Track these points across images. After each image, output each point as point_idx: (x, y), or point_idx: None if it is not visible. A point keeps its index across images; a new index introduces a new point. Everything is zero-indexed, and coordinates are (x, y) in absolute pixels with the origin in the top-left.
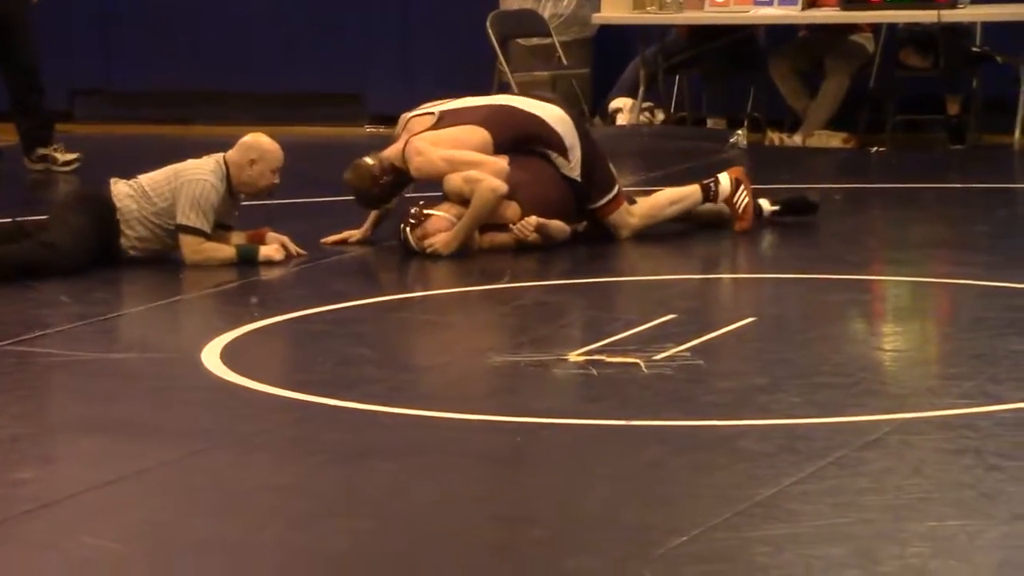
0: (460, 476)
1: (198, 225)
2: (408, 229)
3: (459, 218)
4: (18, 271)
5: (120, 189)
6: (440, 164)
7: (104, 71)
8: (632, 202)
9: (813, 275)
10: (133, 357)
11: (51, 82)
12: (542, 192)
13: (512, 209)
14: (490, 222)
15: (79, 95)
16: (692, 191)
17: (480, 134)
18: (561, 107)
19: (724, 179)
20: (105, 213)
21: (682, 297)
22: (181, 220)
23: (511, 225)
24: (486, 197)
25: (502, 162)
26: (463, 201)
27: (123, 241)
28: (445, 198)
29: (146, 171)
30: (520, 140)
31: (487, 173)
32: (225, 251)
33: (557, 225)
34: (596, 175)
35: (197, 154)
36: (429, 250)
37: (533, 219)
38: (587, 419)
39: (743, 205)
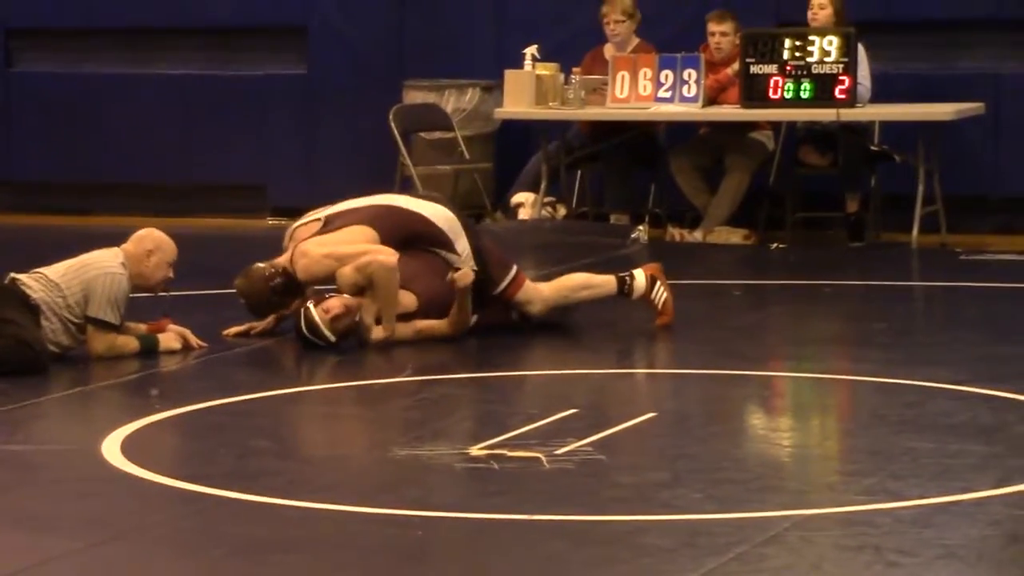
0: (360, 570)
1: (112, 320)
2: (311, 305)
3: (357, 301)
4: None
5: (30, 282)
6: (326, 262)
7: (3, 162)
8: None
9: (713, 370)
10: (32, 448)
11: None
12: (437, 283)
13: (408, 298)
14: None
15: None
16: (606, 281)
17: (367, 233)
18: (443, 204)
19: (639, 275)
20: (29, 307)
21: (583, 392)
22: (97, 314)
23: (450, 276)
24: (383, 275)
25: (389, 249)
26: (358, 292)
27: (42, 335)
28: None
29: (46, 263)
30: (406, 238)
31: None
32: (131, 344)
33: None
34: (490, 261)
35: (96, 246)
36: (373, 340)
37: (469, 272)
38: (488, 513)
39: (662, 300)
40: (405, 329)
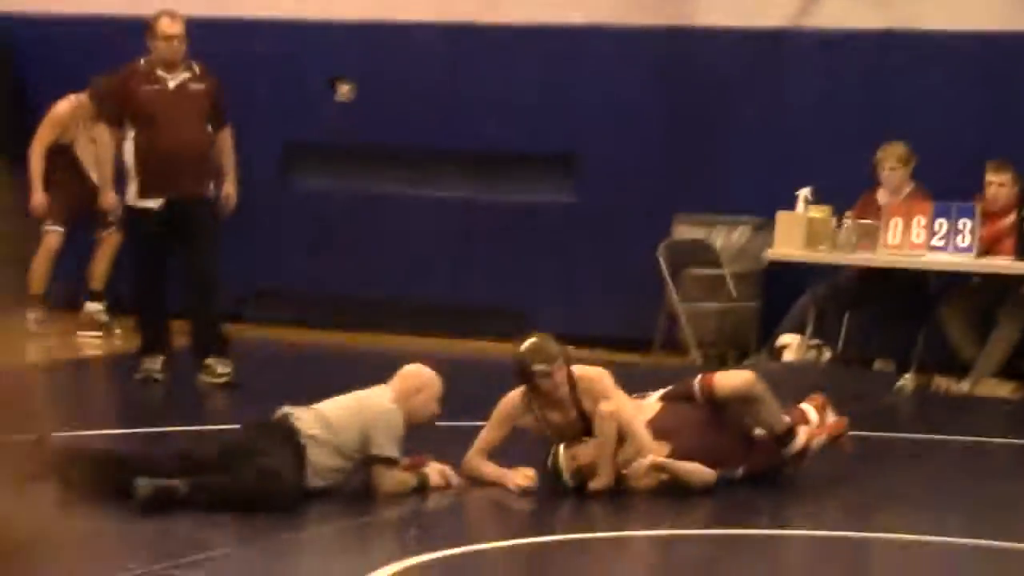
0: None
1: (397, 456)
2: (562, 447)
3: (610, 453)
4: (239, 503)
5: (304, 418)
6: (607, 383)
7: (277, 274)
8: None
9: (976, 540)
10: None
11: (225, 282)
12: (695, 438)
13: (662, 449)
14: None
15: (252, 297)
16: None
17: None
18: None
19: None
20: (296, 443)
21: (855, 558)
22: (381, 452)
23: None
24: (602, 426)
25: (627, 400)
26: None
27: (308, 471)
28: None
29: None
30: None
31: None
32: (412, 480)
33: (687, 469)
34: None
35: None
36: (589, 489)
37: (647, 461)
38: None
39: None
40: (649, 480)
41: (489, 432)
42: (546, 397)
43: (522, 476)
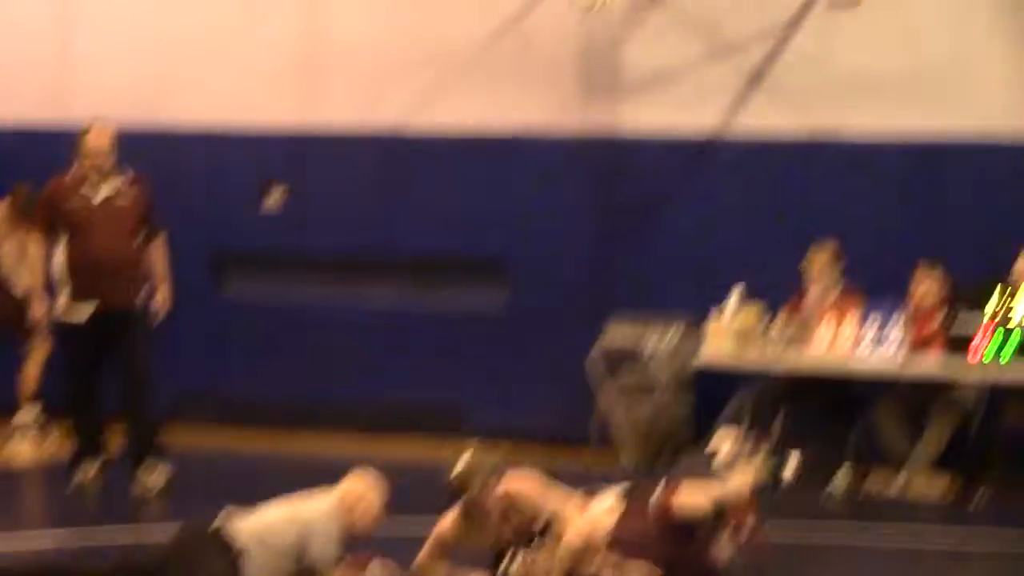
0: None
1: (340, 554)
2: (520, 554)
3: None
4: None
5: (241, 528)
6: (537, 495)
7: (211, 377)
8: None
9: None
10: None
11: (157, 384)
12: (651, 554)
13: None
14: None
15: (185, 399)
16: None
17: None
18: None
19: None
20: (231, 553)
21: None
22: (325, 554)
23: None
24: (562, 556)
25: (600, 520)
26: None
27: None
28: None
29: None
30: None
31: (577, 528)
32: None
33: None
34: None
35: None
36: None
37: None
38: None
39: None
40: None
41: (436, 542)
42: (482, 514)
43: None
